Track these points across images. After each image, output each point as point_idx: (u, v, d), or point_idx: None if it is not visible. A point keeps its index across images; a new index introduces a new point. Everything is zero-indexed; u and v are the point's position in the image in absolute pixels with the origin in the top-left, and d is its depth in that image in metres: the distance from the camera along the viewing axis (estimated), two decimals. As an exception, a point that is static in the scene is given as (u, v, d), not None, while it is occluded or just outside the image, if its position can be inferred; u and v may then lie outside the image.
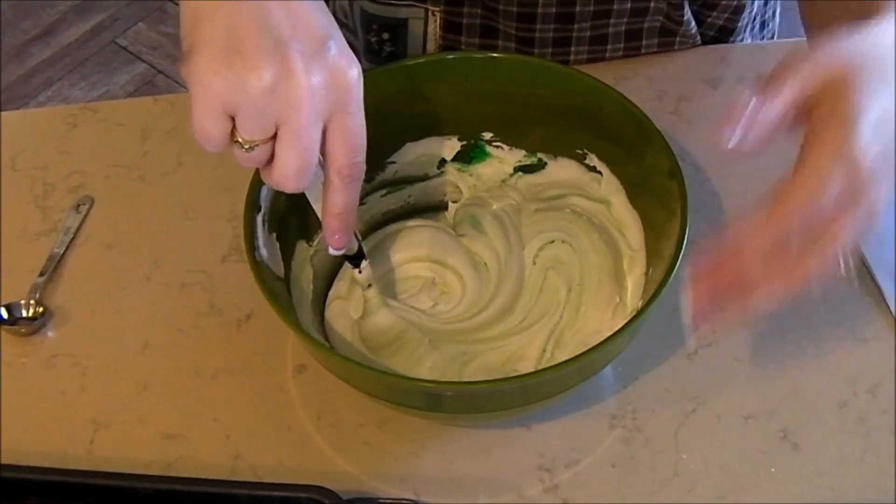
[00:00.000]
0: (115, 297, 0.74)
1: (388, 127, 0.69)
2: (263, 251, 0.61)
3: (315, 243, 0.68)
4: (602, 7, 0.81)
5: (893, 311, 0.70)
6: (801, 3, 0.68)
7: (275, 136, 0.50)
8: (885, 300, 0.70)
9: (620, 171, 0.69)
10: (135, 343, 0.71)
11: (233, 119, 0.49)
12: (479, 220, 0.71)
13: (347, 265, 0.65)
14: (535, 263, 0.70)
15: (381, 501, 0.62)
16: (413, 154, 0.72)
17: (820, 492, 0.63)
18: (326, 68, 0.50)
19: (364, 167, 0.54)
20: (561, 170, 0.72)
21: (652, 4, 0.81)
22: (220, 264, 0.75)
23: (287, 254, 0.65)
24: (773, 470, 0.64)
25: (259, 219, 0.61)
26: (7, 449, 0.66)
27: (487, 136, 0.72)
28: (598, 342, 0.55)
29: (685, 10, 0.82)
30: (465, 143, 0.73)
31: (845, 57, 0.50)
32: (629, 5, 0.81)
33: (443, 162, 0.73)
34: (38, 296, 0.73)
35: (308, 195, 0.57)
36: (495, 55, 0.71)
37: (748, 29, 0.90)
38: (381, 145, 0.71)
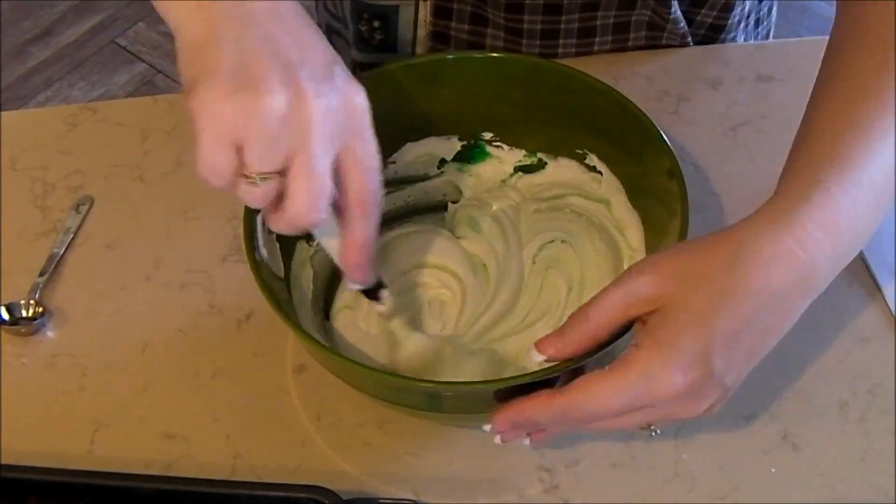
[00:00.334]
0: (115, 297, 0.74)
1: (388, 127, 0.69)
2: (263, 251, 0.61)
3: (314, 244, 0.68)
4: None
5: (893, 311, 0.70)
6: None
7: (284, 172, 0.48)
8: (885, 300, 0.71)
9: (620, 171, 0.69)
10: (135, 343, 0.71)
11: (240, 153, 0.47)
12: (477, 222, 0.71)
13: (366, 300, 0.61)
14: (534, 263, 0.70)
15: (381, 501, 0.62)
16: (413, 154, 0.72)
17: (820, 492, 0.63)
18: (337, 92, 0.49)
19: (381, 194, 0.53)
20: (561, 170, 0.72)
21: None
22: (220, 264, 0.75)
23: (287, 254, 0.65)
24: (773, 470, 0.64)
25: (259, 219, 0.61)
26: (7, 449, 0.66)
27: (487, 136, 0.72)
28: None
29: (673, 7, 0.82)
30: (465, 143, 0.73)
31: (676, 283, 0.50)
32: None
33: (443, 162, 0.73)
34: (38, 296, 0.73)
35: (320, 234, 0.56)
36: (496, 55, 0.71)
37: (741, 26, 0.90)
38: (380, 145, 0.71)
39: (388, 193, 0.73)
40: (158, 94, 0.88)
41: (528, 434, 0.56)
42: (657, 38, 0.85)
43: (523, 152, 0.73)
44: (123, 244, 0.77)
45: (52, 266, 0.75)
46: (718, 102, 0.83)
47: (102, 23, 2.21)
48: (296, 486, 0.60)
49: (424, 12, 0.84)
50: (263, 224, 0.61)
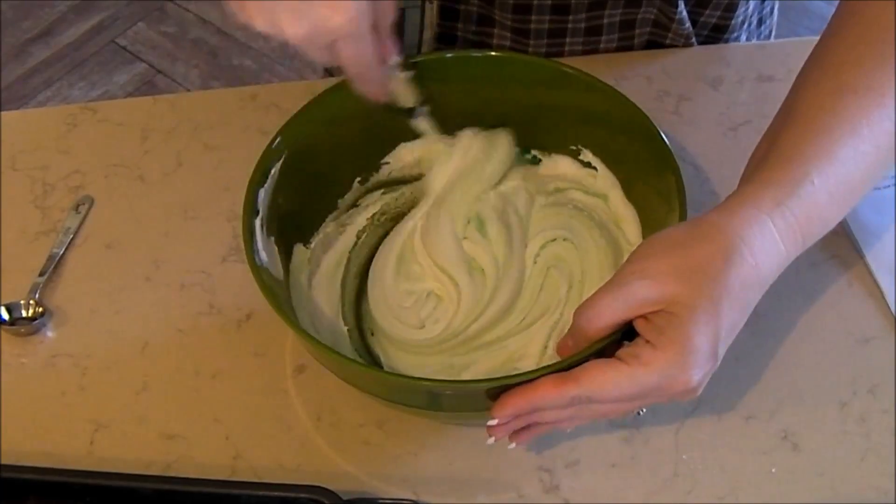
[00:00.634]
0: (115, 297, 0.74)
1: (383, 127, 0.69)
2: (263, 255, 0.61)
3: (312, 245, 0.68)
4: None
5: (893, 311, 0.70)
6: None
7: None
8: (885, 300, 0.70)
9: (618, 168, 0.69)
10: (135, 343, 0.71)
11: None
12: (484, 224, 0.71)
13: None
14: (535, 262, 0.70)
15: (381, 501, 0.62)
16: (408, 154, 0.72)
17: (820, 492, 0.63)
18: None
19: None
20: (556, 165, 0.72)
21: None
22: (220, 264, 0.75)
23: (285, 257, 0.66)
24: (773, 470, 0.64)
25: (258, 223, 0.62)
26: (7, 449, 0.66)
27: None
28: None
29: (679, 6, 0.82)
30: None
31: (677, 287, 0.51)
32: None
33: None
34: (37, 296, 0.73)
35: None
36: (494, 54, 0.71)
37: (744, 26, 0.90)
38: (376, 146, 0.72)
39: (385, 193, 0.73)
40: (158, 94, 0.88)
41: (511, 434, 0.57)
42: (662, 36, 0.86)
43: (517, 150, 0.73)
44: (123, 244, 0.77)
45: (52, 266, 0.75)
46: (719, 102, 0.83)
47: (102, 23, 2.21)
48: (296, 486, 0.60)
49: (431, 14, 0.84)
50: (262, 228, 0.62)
